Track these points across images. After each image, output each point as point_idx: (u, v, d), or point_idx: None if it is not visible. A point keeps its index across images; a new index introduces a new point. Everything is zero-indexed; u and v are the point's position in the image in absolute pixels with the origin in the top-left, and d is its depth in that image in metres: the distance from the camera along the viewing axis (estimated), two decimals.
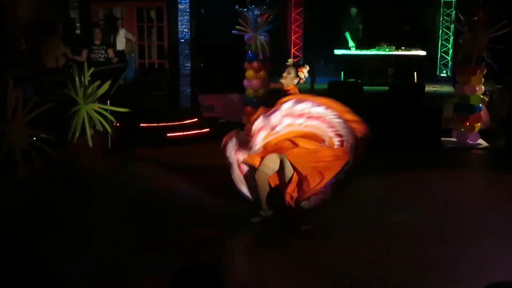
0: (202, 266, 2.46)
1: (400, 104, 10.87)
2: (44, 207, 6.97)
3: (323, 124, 5.88)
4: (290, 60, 6.59)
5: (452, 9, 14.83)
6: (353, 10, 13.97)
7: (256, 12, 11.66)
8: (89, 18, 13.19)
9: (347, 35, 13.93)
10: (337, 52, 13.74)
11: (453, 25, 14.40)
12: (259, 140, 5.84)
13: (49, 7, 12.58)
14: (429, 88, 12.58)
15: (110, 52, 11.47)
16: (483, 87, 10.61)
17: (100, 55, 11.34)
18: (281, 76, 6.33)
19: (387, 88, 11.58)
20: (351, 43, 13.97)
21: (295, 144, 5.95)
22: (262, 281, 5.20)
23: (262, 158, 6.08)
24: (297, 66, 6.37)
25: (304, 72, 6.33)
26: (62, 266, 5.10)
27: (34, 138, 7.13)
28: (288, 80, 6.27)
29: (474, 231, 6.36)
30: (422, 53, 13.75)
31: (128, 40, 13.08)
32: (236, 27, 11.49)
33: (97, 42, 11.41)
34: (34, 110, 7.07)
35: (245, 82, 11.36)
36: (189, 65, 12.64)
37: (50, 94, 9.08)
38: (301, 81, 6.36)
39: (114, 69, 11.07)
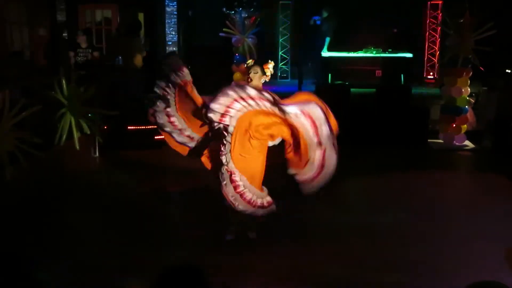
0: (186, 266, 2.46)
1: (387, 106, 10.92)
2: (31, 209, 6.94)
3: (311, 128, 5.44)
4: (250, 61, 6.05)
5: (439, 11, 14.90)
6: (324, 13, 14.00)
7: (244, 14, 11.71)
8: (76, 21, 13.17)
9: (327, 40, 13.96)
10: (325, 54, 13.77)
11: (439, 28, 14.47)
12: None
13: (37, 9, 12.55)
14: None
15: (96, 55, 11.43)
16: (469, 89, 10.69)
17: (84, 58, 11.28)
18: (247, 79, 5.83)
19: (374, 90, 11.64)
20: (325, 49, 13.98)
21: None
22: (248, 282, 5.20)
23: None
24: (261, 63, 5.93)
25: (270, 69, 5.88)
26: (47, 269, 5.09)
27: (21, 141, 7.10)
28: (256, 80, 5.77)
29: (460, 231, 6.39)
30: (409, 55, 13.81)
31: None
32: (224, 29, 11.52)
33: (84, 45, 11.36)
34: (21, 112, 7.05)
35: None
36: None
37: (38, 96, 9.06)
38: (266, 79, 5.90)
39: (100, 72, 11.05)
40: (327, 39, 13.94)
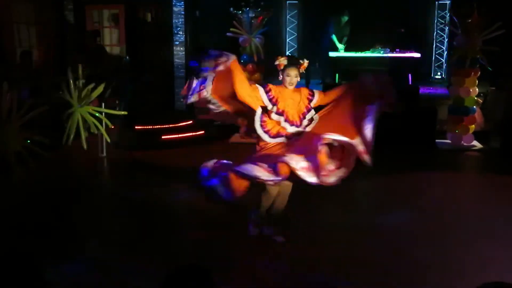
0: (193, 266, 2.46)
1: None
2: (39, 209, 6.95)
3: None
4: (283, 59, 5.61)
5: (447, 11, 14.86)
6: (344, 18, 13.94)
7: (251, 14, 11.68)
8: (84, 21, 13.18)
9: (334, 38, 13.90)
10: (332, 54, 13.74)
11: (447, 27, 14.43)
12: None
13: (45, 9, 12.56)
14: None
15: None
16: (477, 89, 10.65)
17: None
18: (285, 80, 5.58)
19: None
20: (339, 46, 13.91)
21: None
22: (256, 283, 5.19)
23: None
24: (297, 64, 5.61)
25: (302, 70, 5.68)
26: (56, 269, 5.09)
27: (29, 141, 7.12)
28: (295, 82, 5.59)
29: (469, 232, 6.36)
30: (417, 55, 13.76)
31: None
32: (231, 29, 11.51)
33: None
34: (28, 112, 7.07)
35: None
36: (183, 67, 12.62)
37: (45, 96, 9.08)
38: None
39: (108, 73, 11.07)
40: (345, 39, 13.93)
